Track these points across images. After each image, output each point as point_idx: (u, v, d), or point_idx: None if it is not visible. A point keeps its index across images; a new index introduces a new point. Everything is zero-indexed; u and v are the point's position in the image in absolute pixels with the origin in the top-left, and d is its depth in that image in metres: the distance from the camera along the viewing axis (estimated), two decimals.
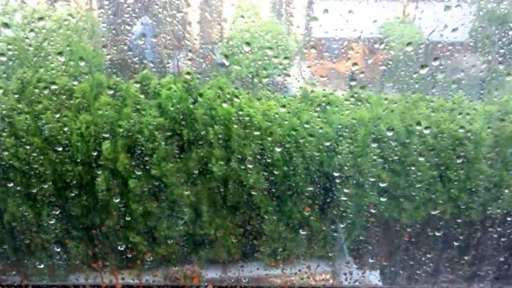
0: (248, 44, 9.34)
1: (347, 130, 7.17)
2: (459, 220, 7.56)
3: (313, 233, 7.74)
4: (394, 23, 11.15)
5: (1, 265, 7.66)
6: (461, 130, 7.05)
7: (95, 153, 6.88)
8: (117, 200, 7.05)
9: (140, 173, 7.02)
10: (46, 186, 6.91)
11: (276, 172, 7.03)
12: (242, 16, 10.63)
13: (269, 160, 7.02)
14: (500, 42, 9.47)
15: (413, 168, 7.15)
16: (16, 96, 6.94)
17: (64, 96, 7.03)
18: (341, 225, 7.70)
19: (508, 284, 8.14)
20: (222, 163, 7.04)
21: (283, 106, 7.20)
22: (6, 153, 6.72)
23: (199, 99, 7.11)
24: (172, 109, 6.93)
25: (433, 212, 7.35)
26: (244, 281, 7.35)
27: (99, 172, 6.94)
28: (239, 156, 6.99)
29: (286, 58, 9.56)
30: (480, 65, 9.50)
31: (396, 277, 8.23)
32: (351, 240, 7.92)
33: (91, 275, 7.56)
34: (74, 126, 6.87)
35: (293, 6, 11.78)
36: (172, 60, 8.56)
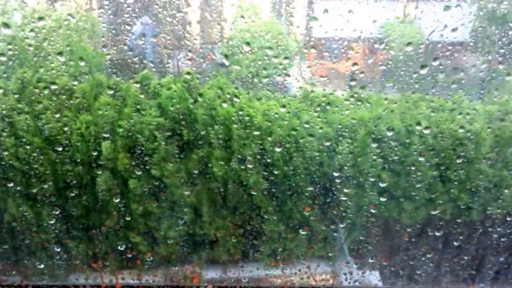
0: (248, 44, 9.34)
1: (347, 130, 7.17)
2: (459, 220, 7.56)
3: (313, 233, 7.74)
4: (394, 23, 11.16)
5: (1, 265, 7.66)
6: (461, 130, 7.05)
7: (95, 153, 6.88)
8: (117, 200, 7.05)
9: (140, 173, 7.02)
10: (46, 186, 6.91)
11: (276, 172, 7.03)
12: (242, 16, 10.63)
13: (269, 160, 7.02)
14: (500, 42, 9.47)
15: (413, 168, 7.15)
16: (16, 96, 6.93)
17: (64, 96, 7.03)
18: (341, 225, 7.70)
19: (508, 284, 8.14)
20: (222, 163, 7.04)
21: (283, 106, 7.20)
22: (6, 153, 6.72)
23: (199, 99, 7.11)
24: (172, 109, 6.93)
25: (433, 212, 7.34)
26: (244, 281, 7.35)
27: (99, 172, 6.94)
28: (239, 156, 6.99)
29: (286, 58, 9.56)
30: (480, 65, 9.51)
31: (396, 277, 8.24)
32: (351, 240, 7.92)
33: (91, 275, 7.56)
34: (74, 126, 6.87)
35: (293, 6, 11.78)
36: (172, 60, 8.57)
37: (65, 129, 6.80)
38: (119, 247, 7.39)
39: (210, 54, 10.06)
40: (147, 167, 7.04)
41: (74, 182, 6.97)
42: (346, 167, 7.11)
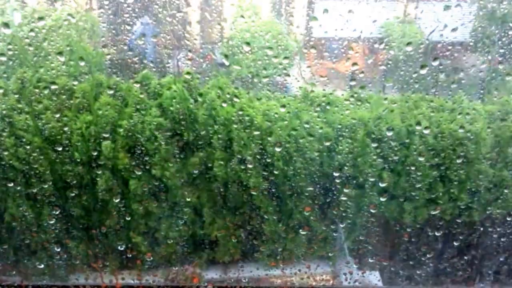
0: (248, 44, 9.35)
1: (347, 130, 7.17)
2: (459, 220, 7.56)
3: (313, 233, 7.74)
4: (394, 23, 11.16)
5: (1, 265, 7.66)
6: (461, 130, 7.05)
7: (96, 153, 6.88)
8: (117, 200, 7.04)
9: (140, 173, 7.02)
10: (46, 186, 6.91)
11: (276, 172, 7.03)
12: (242, 16, 10.64)
13: (269, 160, 7.02)
14: (500, 42, 9.48)
15: (413, 168, 7.15)
16: (16, 96, 6.93)
17: (64, 96, 7.03)
18: (341, 225, 7.70)
19: (508, 284, 8.14)
20: (222, 163, 7.04)
21: (283, 106, 7.19)
22: (6, 153, 6.72)
23: (199, 99, 7.10)
24: (172, 109, 6.92)
25: (433, 212, 7.34)
26: (244, 281, 7.35)
27: (99, 172, 6.94)
28: (239, 156, 6.99)
29: (286, 58, 9.57)
30: (480, 65, 9.52)
31: (396, 277, 8.23)
32: (351, 240, 7.91)
33: (91, 275, 7.56)
34: (74, 126, 6.86)
35: (293, 6, 11.78)
36: (172, 60, 8.57)
37: (65, 129, 6.79)
38: (119, 247, 7.39)
39: (210, 54, 10.06)
40: (148, 167, 7.04)
41: (74, 182, 6.96)
42: (346, 167, 7.10)
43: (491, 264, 8.07)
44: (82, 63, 7.61)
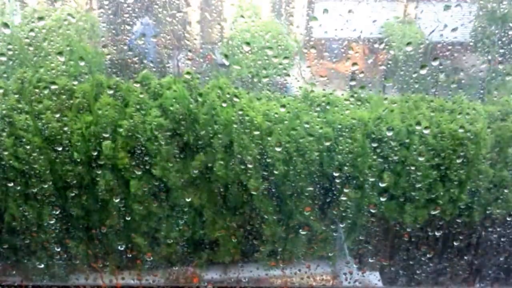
0: (248, 44, 9.34)
1: (347, 130, 7.17)
2: (459, 220, 7.56)
3: (313, 233, 7.74)
4: (394, 23, 11.16)
5: (1, 265, 7.66)
6: (461, 130, 7.05)
7: (96, 153, 6.88)
8: (118, 200, 7.05)
9: (140, 173, 7.02)
10: (46, 186, 6.91)
11: (276, 172, 7.03)
12: (242, 16, 10.63)
13: (269, 160, 7.02)
14: (500, 42, 9.48)
15: (413, 168, 7.15)
16: (16, 96, 6.93)
17: (64, 96, 7.03)
18: (341, 225, 7.70)
19: (508, 284, 8.14)
20: (222, 163, 7.04)
21: (283, 106, 7.20)
22: (6, 153, 6.72)
23: (199, 99, 7.11)
24: (172, 109, 6.93)
25: (433, 212, 7.34)
26: (244, 281, 7.35)
27: (100, 172, 6.94)
28: (239, 156, 6.99)
29: (286, 58, 9.56)
30: (480, 65, 9.52)
31: (396, 277, 8.24)
32: (351, 240, 7.92)
33: (91, 275, 7.56)
34: (74, 126, 6.87)
35: (293, 6, 11.78)
36: (172, 60, 8.57)
37: (66, 129, 6.79)
38: (119, 247, 7.39)
39: (210, 54, 10.06)
40: (148, 167, 7.04)
41: (74, 182, 6.97)
42: (346, 167, 7.11)
43: (491, 264, 8.07)
44: (82, 63, 7.60)
